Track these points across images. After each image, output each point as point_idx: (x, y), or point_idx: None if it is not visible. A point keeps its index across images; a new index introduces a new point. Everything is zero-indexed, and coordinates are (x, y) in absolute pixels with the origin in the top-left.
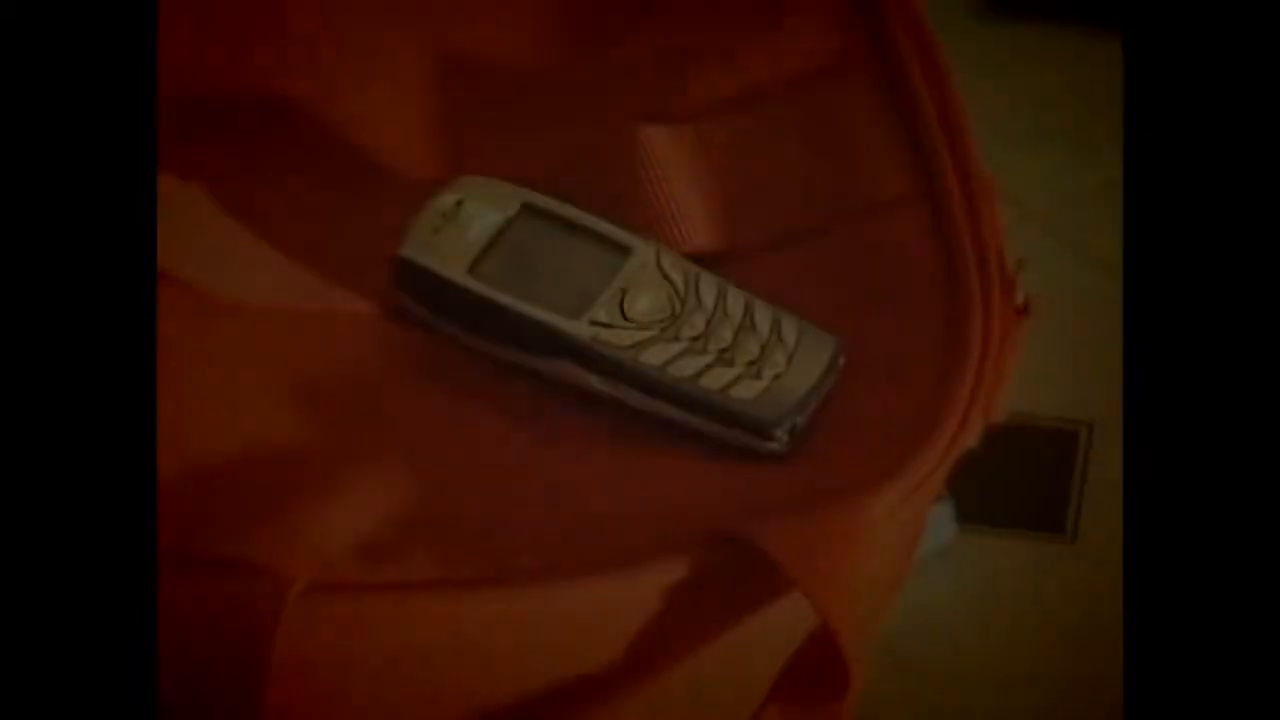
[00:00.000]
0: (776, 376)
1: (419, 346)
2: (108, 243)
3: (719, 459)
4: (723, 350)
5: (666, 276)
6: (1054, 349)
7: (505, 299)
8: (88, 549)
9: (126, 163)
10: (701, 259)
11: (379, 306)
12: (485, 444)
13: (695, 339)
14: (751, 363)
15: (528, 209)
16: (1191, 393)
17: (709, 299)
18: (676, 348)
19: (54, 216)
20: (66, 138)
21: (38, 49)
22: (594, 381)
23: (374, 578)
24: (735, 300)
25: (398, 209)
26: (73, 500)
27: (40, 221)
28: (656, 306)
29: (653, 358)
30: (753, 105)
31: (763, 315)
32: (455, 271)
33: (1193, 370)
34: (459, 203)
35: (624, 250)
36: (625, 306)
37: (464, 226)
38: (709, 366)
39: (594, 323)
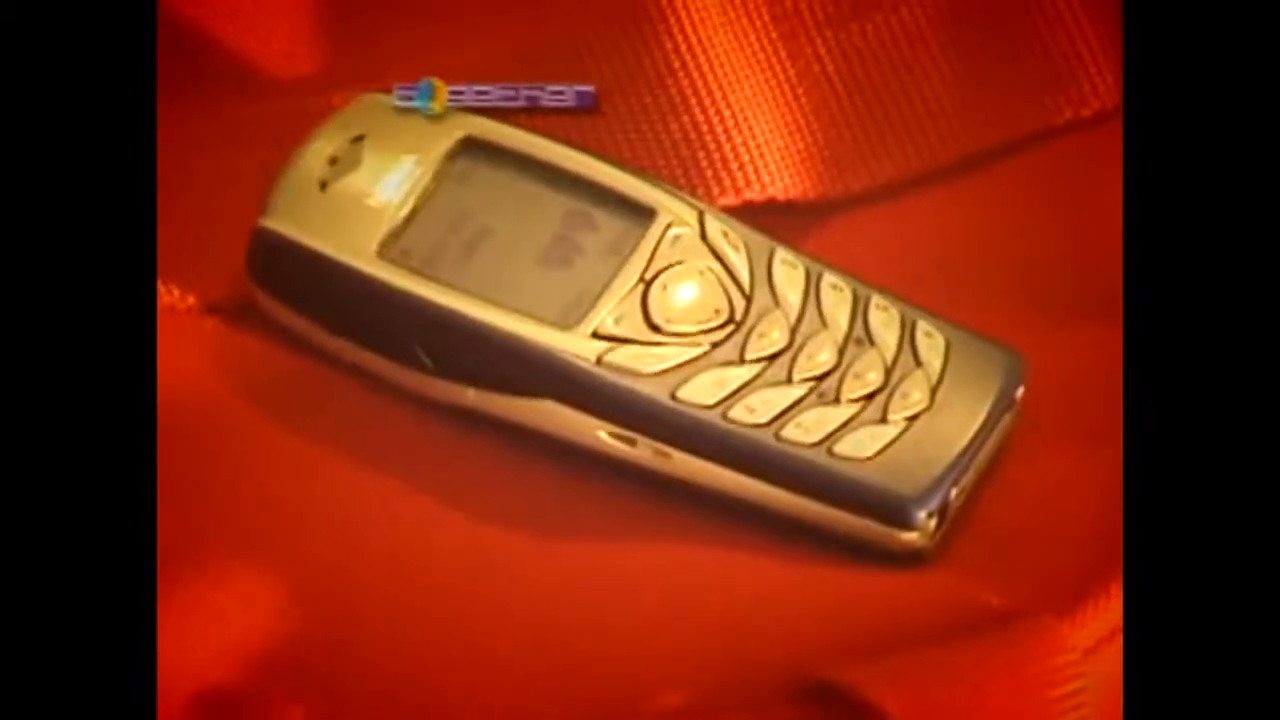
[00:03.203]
0: (912, 420)
1: (293, 375)
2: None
3: (815, 561)
4: (819, 378)
5: (717, 255)
6: None
7: (444, 299)
8: (86, 553)
9: (124, 159)
10: (776, 220)
11: (226, 308)
12: (404, 534)
13: (771, 359)
14: (869, 398)
15: (473, 146)
16: (1194, 407)
17: (792, 292)
18: (739, 376)
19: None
20: (63, 136)
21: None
22: (601, 433)
23: None
24: (838, 293)
25: (262, 145)
26: (70, 504)
27: (36, 220)
28: (702, 307)
29: (699, 394)
30: None
31: (886, 318)
32: (356, 252)
33: (1194, 385)
34: (358, 138)
35: (644, 213)
36: (650, 308)
37: (369, 178)
38: (796, 406)
39: (599, 335)
